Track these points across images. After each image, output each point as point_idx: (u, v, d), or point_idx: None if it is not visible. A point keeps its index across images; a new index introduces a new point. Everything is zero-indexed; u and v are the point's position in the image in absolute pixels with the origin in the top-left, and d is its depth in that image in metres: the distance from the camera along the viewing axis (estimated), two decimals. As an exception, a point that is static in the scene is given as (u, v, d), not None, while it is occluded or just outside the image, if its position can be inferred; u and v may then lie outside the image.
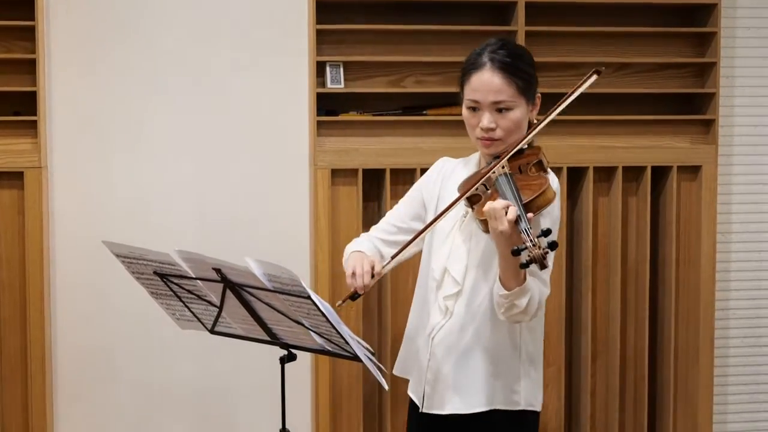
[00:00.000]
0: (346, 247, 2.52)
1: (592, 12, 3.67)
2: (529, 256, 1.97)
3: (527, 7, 3.48)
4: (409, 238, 2.40)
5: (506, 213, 2.02)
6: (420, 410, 2.38)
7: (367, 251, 2.44)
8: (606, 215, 3.70)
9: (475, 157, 2.41)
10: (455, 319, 2.31)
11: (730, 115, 3.83)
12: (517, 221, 2.02)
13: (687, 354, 3.72)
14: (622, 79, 3.71)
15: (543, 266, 1.97)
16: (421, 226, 2.41)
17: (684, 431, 3.74)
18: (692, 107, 3.75)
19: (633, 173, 3.69)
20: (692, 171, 3.69)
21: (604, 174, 3.68)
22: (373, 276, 2.28)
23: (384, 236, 2.49)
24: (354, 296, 2.31)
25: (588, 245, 3.63)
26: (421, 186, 2.50)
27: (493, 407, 2.30)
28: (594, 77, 2.19)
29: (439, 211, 2.31)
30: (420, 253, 2.49)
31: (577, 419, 3.74)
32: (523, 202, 2.07)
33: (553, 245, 1.99)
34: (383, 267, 2.34)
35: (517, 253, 1.98)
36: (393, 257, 2.38)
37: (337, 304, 2.31)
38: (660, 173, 3.70)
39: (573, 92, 2.22)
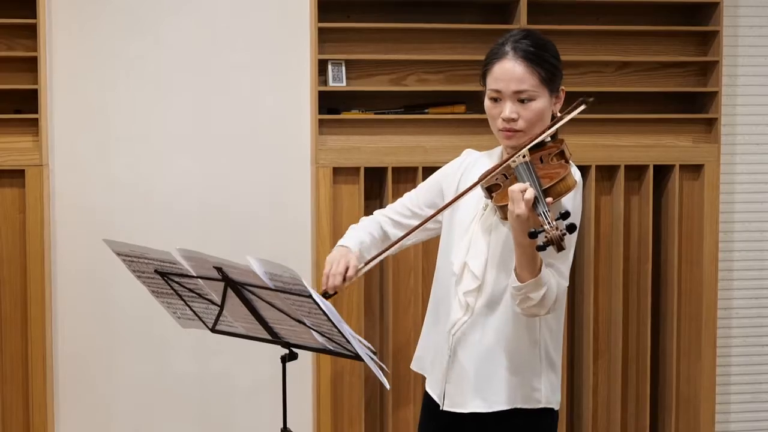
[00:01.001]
0: (350, 227, 2.48)
1: (594, 10, 3.66)
2: (546, 237, 1.92)
3: (529, 6, 3.47)
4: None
5: (524, 195, 1.97)
6: (440, 408, 2.32)
7: (361, 243, 2.39)
8: (608, 214, 3.69)
9: (498, 150, 2.36)
10: (477, 316, 2.26)
11: (732, 114, 3.83)
12: (534, 205, 1.97)
13: (689, 353, 3.71)
14: (625, 78, 3.70)
15: (560, 248, 1.92)
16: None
17: (686, 431, 3.74)
18: (694, 106, 3.75)
19: (635, 172, 3.68)
20: (694, 170, 3.69)
21: (607, 173, 3.67)
22: (345, 279, 2.29)
23: (396, 217, 2.46)
24: (324, 295, 2.28)
25: (590, 244, 3.62)
26: (441, 176, 2.45)
27: (514, 406, 2.26)
28: (582, 107, 2.17)
29: (453, 199, 2.27)
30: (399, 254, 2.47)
31: (579, 418, 3.74)
32: (543, 188, 2.02)
33: (571, 227, 1.92)
34: (357, 271, 2.32)
35: (534, 235, 1.94)
36: (368, 262, 2.35)
37: None
38: (662, 172, 3.70)
39: (559, 121, 2.19)
